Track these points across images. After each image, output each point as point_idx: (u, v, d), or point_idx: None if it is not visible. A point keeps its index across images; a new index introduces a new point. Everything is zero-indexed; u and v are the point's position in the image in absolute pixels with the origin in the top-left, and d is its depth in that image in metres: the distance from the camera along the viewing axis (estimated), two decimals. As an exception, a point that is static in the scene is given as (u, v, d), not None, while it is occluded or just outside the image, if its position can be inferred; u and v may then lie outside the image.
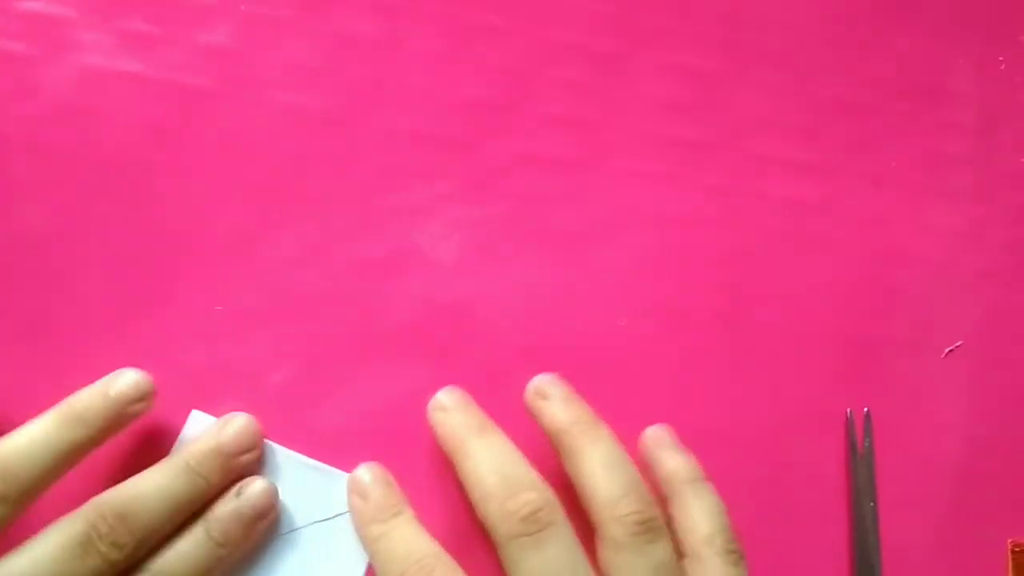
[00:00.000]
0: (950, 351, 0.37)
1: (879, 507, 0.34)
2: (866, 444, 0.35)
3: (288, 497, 0.30)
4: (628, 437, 0.33)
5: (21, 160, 0.32)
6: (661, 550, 0.27)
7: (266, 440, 0.31)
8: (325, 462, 0.31)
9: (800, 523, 0.34)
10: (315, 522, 0.30)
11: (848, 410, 0.35)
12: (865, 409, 0.35)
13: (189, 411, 0.31)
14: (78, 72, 0.33)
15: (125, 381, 0.29)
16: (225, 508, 0.29)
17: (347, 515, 0.30)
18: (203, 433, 0.30)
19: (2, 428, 0.30)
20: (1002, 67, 0.39)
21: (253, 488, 0.29)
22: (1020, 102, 0.39)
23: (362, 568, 0.30)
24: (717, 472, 0.33)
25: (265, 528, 0.30)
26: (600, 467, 0.28)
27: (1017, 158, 0.39)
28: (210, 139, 0.33)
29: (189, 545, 0.28)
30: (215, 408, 0.31)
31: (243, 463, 0.29)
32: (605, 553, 0.28)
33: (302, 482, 0.31)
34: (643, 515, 0.27)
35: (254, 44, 0.34)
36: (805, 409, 0.35)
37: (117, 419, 0.28)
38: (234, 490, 0.29)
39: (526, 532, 0.27)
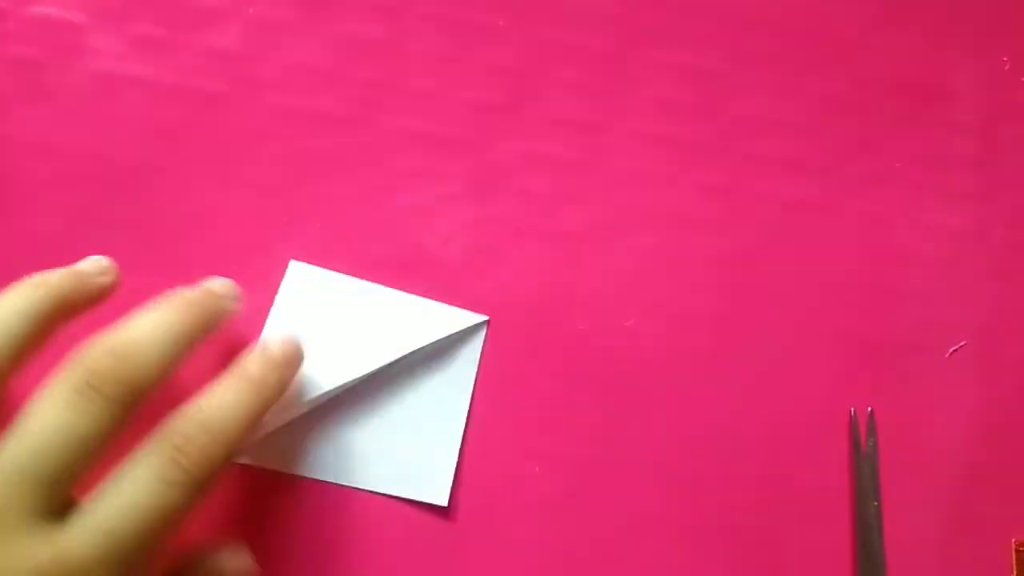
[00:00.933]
0: (954, 351, 0.36)
1: (883, 507, 0.34)
2: (870, 444, 0.35)
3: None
4: (631, 437, 0.34)
5: (32, 163, 0.32)
6: None
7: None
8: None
9: (803, 523, 0.34)
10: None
11: (852, 409, 0.35)
12: (869, 409, 0.35)
13: None
14: (88, 76, 0.33)
15: (219, 281, 0.29)
16: (254, 355, 0.28)
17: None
18: None
19: (5, 424, 0.31)
20: (1006, 67, 0.39)
21: (276, 338, 0.29)
22: (1023, 102, 0.39)
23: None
24: (721, 471, 0.34)
25: (292, 376, 0.29)
26: None
27: (1021, 158, 0.38)
28: (219, 141, 0.34)
29: (225, 391, 0.27)
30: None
31: (231, 307, 0.29)
32: None
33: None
34: None
35: (262, 47, 0.35)
36: (808, 409, 0.35)
37: (216, 306, 0.28)
38: (259, 345, 0.29)
39: None
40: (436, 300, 0.33)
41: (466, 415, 0.33)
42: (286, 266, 0.33)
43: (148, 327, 0.26)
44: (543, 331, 0.34)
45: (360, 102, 0.35)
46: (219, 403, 0.26)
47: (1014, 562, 0.35)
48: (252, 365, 0.28)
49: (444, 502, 0.32)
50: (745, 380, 0.35)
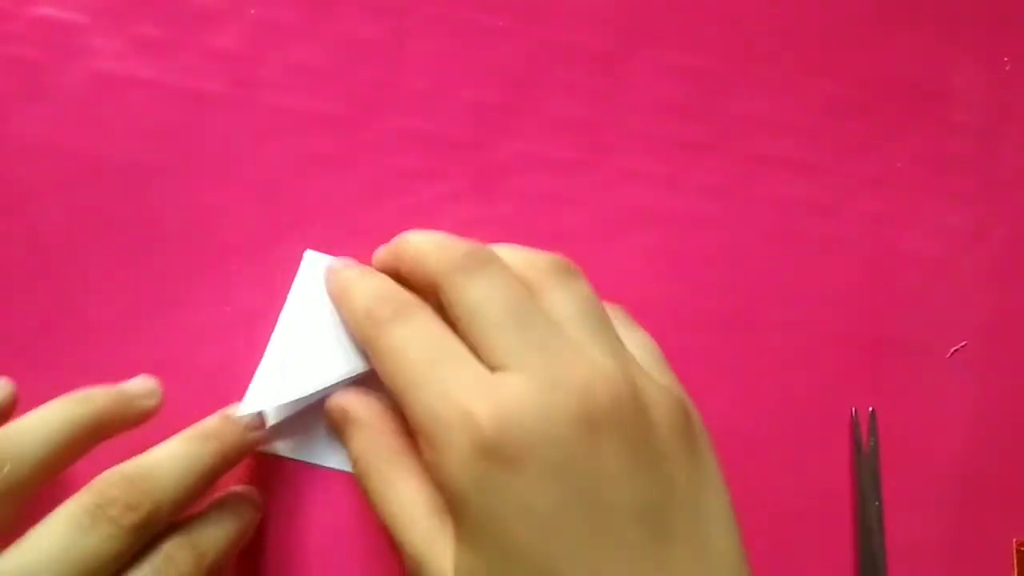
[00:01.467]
0: (955, 351, 0.36)
1: (884, 507, 0.34)
2: (870, 444, 0.35)
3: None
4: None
5: (32, 163, 0.32)
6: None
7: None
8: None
9: (804, 523, 0.34)
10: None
11: (853, 409, 0.35)
12: (870, 409, 0.35)
13: (199, 411, 0.30)
14: (89, 76, 0.33)
15: (239, 408, 0.29)
16: (212, 417, 0.29)
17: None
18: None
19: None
20: (1007, 67, 0.39)
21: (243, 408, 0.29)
22: (1023, 102, 0.39)
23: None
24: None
25: (257, 439, 0.29)
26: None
27: (1021, 158, 0.38)
28: (218, 141, 0.34)
29: (169, 446, 0.27)
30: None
31: (254, 439, 0.29)
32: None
33: None
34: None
35: (262, 47, 0.35)
36: (808, 409, 0.35)
37: (238, 438, 0.28)
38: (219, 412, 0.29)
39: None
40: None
41: None
42: (285, 266, 0.33)
43: (163, 457, 0.26)
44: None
45: (360, 102, 0.35)
46: (213, 524, 0.27)
47: (1014, 562, 0.35)
48: (207, 422, 0.28)
49: None
50: (745, 380, 0.35)
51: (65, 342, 0.32)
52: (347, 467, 0.31)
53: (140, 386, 0.29)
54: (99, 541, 0.23)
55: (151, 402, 0.29)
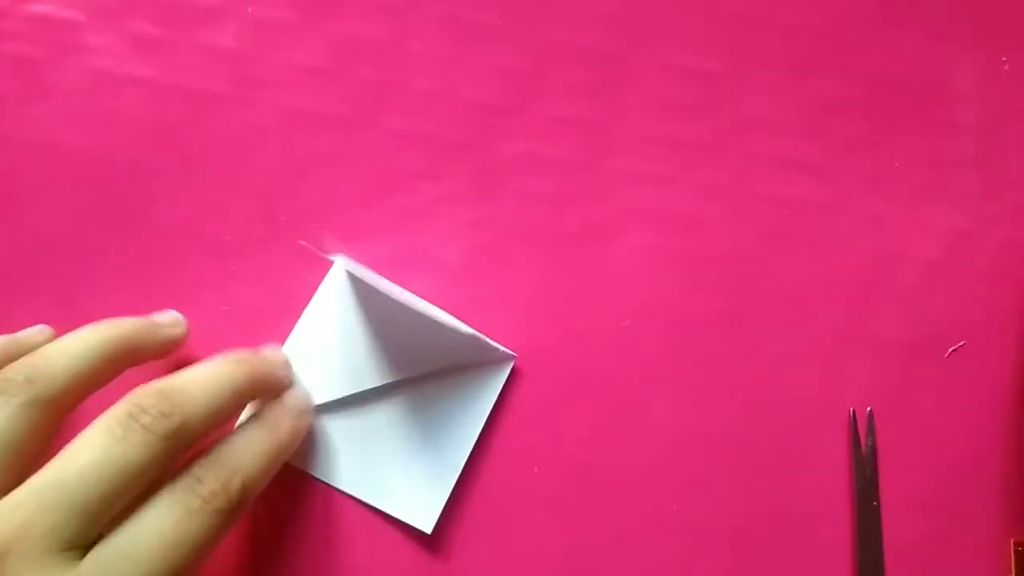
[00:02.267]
0: (953, 351, 0.37)
1: (883, 507, 0.34)
2: (869, 443, 0.35)
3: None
4: (630, 437, 0.34)
5: (30, 162, 0.32)
6: None
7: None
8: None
9: (803, 523, 0.34)
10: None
11: (851, 409, 0.35)
12: (868, 409, 0.35)
13: None
14: (87, 74, 0.33)
15: (270, 350, 0.31)
16: (270, 406, 0.29)
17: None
18: None
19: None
20: (1006, 67, 0.39)
21: (292, 392, 0.30)
22: (1023, 101, 0.39)
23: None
24: (719, 472, 0.34)
25: (307, 425, 0.31)
26: None
27: (1021, 158, 0.38)
28: (217, 141, 0.34)
29: (243, 433, 0.28)
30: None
31: (280, 375, 0.30)
32: None
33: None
34: None
35: (261, 46, 0.34)
36: (808, 409, 0.35)
37: (266, 369, 0.29)
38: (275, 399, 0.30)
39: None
40: (435, 300, 0.33)
41: (471, 449, 0.32)
42: (285, 266, 0.33)
43: (197, 373, 0.27)
44: (542, 332, 0.34)
45: (360, 102, 0.35)
46: (241, 443, 0.27)
47: (1013, 562, 0.35)
48: (266, 414, 0.29)
49: (428, 529, 0.31)
50: (745, 380, 0.35)
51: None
52: (319, 474, 0.32)
53: (166, 316, 0.31)
54: (133, 447, 0.24)
55: (177, 330, 0.30)
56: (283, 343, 0.32)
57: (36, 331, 0.30)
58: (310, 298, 0.33)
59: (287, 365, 0.31)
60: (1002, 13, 0.40)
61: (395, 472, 0.32)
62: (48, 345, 0.27)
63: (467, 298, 0.34)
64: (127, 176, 0.33)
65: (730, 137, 0.36)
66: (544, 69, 0.36)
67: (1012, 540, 0.35)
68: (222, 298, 0.33)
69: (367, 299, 0.32)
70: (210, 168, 0.33)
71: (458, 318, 0.33)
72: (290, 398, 0.30)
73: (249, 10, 0.34)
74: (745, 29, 0.37)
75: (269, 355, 0.30)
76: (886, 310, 0.36)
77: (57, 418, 0.26)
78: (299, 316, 0.33)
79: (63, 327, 0.32)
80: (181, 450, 0.25)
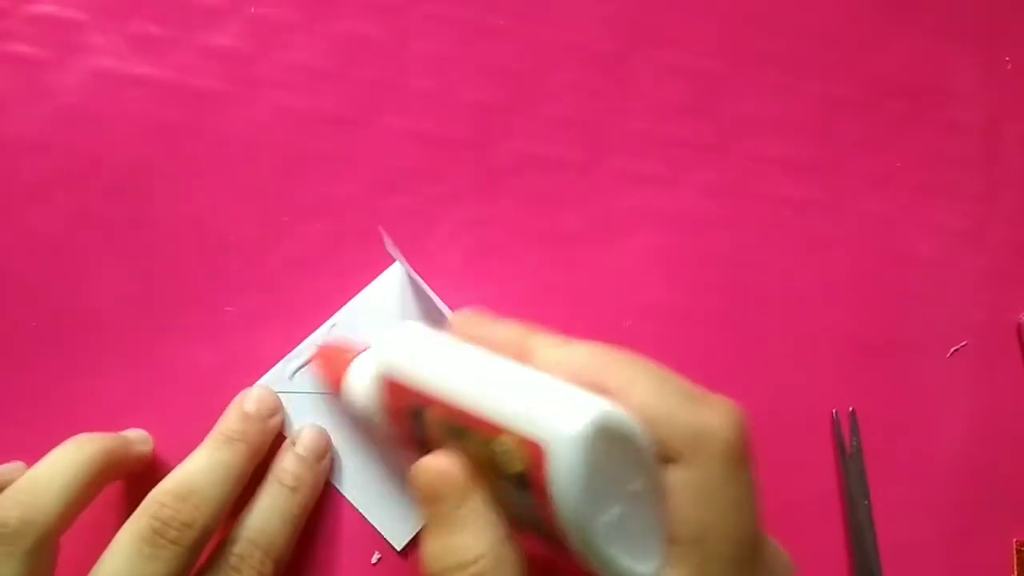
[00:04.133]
0: (955, 351, 0.37)
1: (875, 506, 0.34)
2: (854, 443, 0.35)
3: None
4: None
5: (32, 161, 0.32)
6: None
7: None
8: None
9: (803, 523, 0.34)
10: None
11: (834, 411, 0.35)
12: (850, 408, 0.35)
13: (202, 412, 0.30)
14: (88, 74, 0.33)
15: (252, 398, 0.30)
16: (286, 457, 0.30)
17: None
18: (226, 411, 0.30)
19: (8, 423, 0.31)
20: (1008, 67, 0.39)
21: (305, 434, 0.31)
22: (1024, 101, 0.39)
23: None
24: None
25: (327, 467, 0.31)
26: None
27: (1021, 158, 0.38)
28: (219, 140, 0.34)
29: (268, 500, 0.28)
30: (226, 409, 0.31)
31: (273, 425, 0.30)
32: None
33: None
34: None
35: (263, 46, 0.34)
36: (808, 409, 0.35)
37: (261, 434, 0.30)
38: (287, 442, 0.31)
39: None
40: (435, 299, 0.33)
41: None
42: (285, 266, 0.33)
43: (201, 468, 0.27)
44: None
45: (360, 102, 0.35)
46: (260, 516, 0.28)
47: (1014, 562, 0.35)
48: (284, 471, 0.29)
49: (399, 547, 0.32)
50: (745, 380, 0.35)
51: (65, 341, 0.32)
52: (333, 480, 0.32)
53: (136, 433, 0.31)
54: (163, 564, 0.25)
55: (147, 448, 0.30)
56: (283, 343, 0.32)
57: (11, 468, 0.29)
58: (310, 298, 0.33)
59: (279, 408, 0.31)
60: (1004, 13, 0.40)
61: (386, 482, 0.32)
62: (33, 473, 0.26)
63: (466, 298, 0.34)
64: (127, 176, 0.33)
65: (730, 137, 0.36)
66: (544, 69, 0.36)
67: (1014, 540, 0.35)
68: (222, 298, 0.33)
69: (417, 306, 0.33)
70: (210, 168, 0.33)
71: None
72: (307, 449, 0.30)
73: (251, 10, 0.34)
74: (745, 29, 0.37)
75: (259, 406, 0.30)
76: (886, 310, 0.36)
77: (55, 546, 0.26)
78: (299, 316, 0.33)
79: (63, 327, 0.32)
80: (203, 550, 0.26)
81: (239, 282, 0.33)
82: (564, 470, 0.19)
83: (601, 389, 0.22)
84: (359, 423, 0.32)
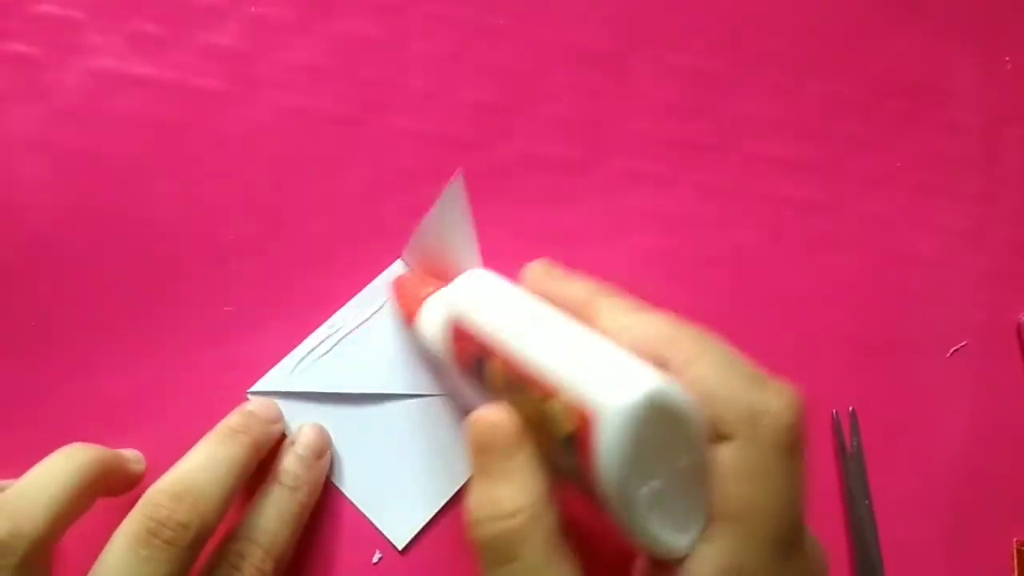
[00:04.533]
0: (955, 351, 0.37)
1: (877, 506, 0.34)
2: (854, 443, 0.35)
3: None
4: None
5: (31, 161, 0.32)
6: None
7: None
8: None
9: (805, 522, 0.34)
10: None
11: (834, 411, 0.35)
12: (851, 408, 0.35)
13: (201, 412, 0.30)
14: (88, 74, 0.33)
15: (256, 402, 0.31)
16: (287, 458, 0.30)
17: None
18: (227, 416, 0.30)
19: (6, 424, 0.31)
20: (1008, 67, 0.39)
21: (304, 432, 0.31)
22: (1024, 102, 0.39)
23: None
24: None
25: (327, 465, 0.31)
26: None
27: (1021, 158, 0.38)
28: (219, 140, 0.34)
29: (269, 501, 0.28)
30: (227, 408, 0.30)
31: (275, 430, 0.30)
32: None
33: None
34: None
35: (262, 45, 0.34)
36: (809, 410, 0.35)
37: (264, 433, 0.29)
38: (287, 442, 0.31)
39: None
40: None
41: (465, 479, 0.32)
42: (285, 266, 0.33)
43: (200, 465, 0.27)
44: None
45: (360, 102, 0.34)
46: (261, 514, 0.28)
47: (1015, 562, 0.35)
48: (283, 471, 0.29)
49: (400, 546, 0.32)
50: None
51: (64, 341, 0.32)
52: (334, 479, 0.32)
53: (129, 452, 0.30)
54: (159, 565, 0.24)
55: (140, 467, 0.30)
56: (283, 343, 0.32)
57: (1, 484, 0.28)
58: (310, 298, 0.33)
59: (280, 417, 0.31)
60: (1004, 14, 0.40)
61: (387, 481, 0.32)
62: (21, 484, 0.26)
63: (467, 298, 0.33)
64: (127, 175, 0.33)
65: (730, 137, 0.36)
66: (544, 69, 0.36)
67: (1014, 540, 0.35)
68: (222, 298, 0.33)
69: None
70: (210, 168, 0.33)
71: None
72: (306, 447, 0.30)
73: (251, 10, 0.34)
74: (745, 29, 0.37)
75: (260, 411, 0.30)
76: (888, 310, 0.36)
77: (48, 557, 0.26)
78: (299, 316, 0.33)
79: (63, 326, 0.32)
80: (203, 548, 0.26)
81: (239, 282, 0.33)
82: (611, 441, 0.20)
83: (663, 361, 0.22)
84: (430, 361, 0.32)
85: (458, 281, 0.27)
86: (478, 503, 0.22)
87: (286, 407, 0.31)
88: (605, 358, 0.22)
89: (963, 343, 0.37)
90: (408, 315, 0.30)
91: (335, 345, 0.32)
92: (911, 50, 0.39)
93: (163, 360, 0.32)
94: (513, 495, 0.22)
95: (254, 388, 0.32)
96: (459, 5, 0.36)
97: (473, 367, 0.25)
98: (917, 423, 0.36)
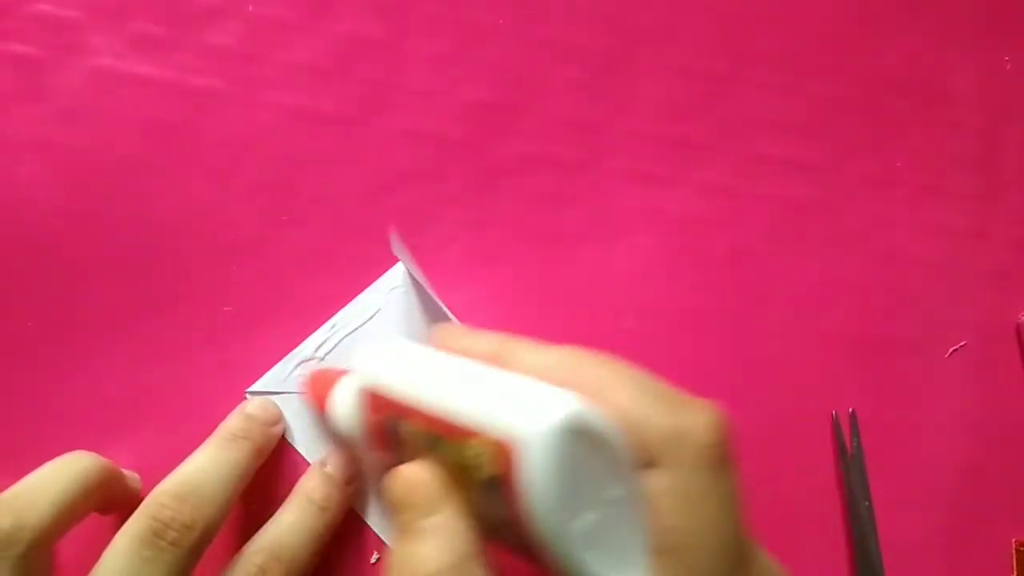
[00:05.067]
0: (954, 351, 0.37)
1: (877, 506, 0.34)
2: (854, 444, 0.35)
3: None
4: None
5: (30, 161, 0.32)
6: None
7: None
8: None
9: (804, 524, 0.34)
10: None
11: (833, 412, 0.35)
12: (851, 410, 0.35)
13: (201, 412, 0.31)
14: (87, 74, 0.33)
15: (256, 404, 0.30)
16: (316, 475, 0.30)
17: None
18: (227, 417, 0.30)
19: (7, 425, 0.31)
20: (1008, 67, 0.39)
21: (336, 456, 0.31)
22: (1024, 102, 0.39)
23: None
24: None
25: (354, 492, 0.31)
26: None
27: (1021, 158, 0.38)
28: (219, 140, 0.34)
29: (294, 515, 0.28)
30: (226, 408, 0.31)
31: (275, 432, 0.31)
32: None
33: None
34: None
35: (261, 45, 0.34)
36: (808, 410, 0.35)
37: (265, 435, 0.30)
38: (317, 463, 0.31)
39: None
40: (438, 302, 0.33)
41: None
42: (285, 266, 0.33)
43: (203, 467, 0.27)
44: (542, 332, 0.34)
45: (360, 101, 0.34)
46: (286, 530, 0.28)
47: (1014, 562, 0.35)
48: (314, 489, 0.29)
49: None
50: (746, 380, 0.35)
51: (64, 341, 0.32)
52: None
53: (129, 472, 0.30)
54: (162, 566, 0.24)
55: (136, 486, 0.30)
56: (283, 343, 0.32)
57: None
58: (310, 298, 0.33)
59: (280, 418, 0.31)
60: (1003, 14, 0.40)
61: (381, 483, 0.32)
62: (25, 483, 0.26)
63: (466, 298, 0.33)
64: (127, 175, 0.33)
65: (730, 137, 0.36)
66: (544, 68, 0.36)
67: (1014, 540, 0.35)
68: (222, 298, 0.33)
69: (420, 308, 0.33)
70: (209, 167, 0.33)
71: (458, 318, 0.33)
72: (339, 470, 0.30)
73: (249, 9, 0.34)
74: (745, 29, 0.37)
75: (261, 414, 0.30)
76: (887, 310, 0.36)
77: (49, 555, 0.26)
78: (299, 316, 0.33)
79: (63, 327, 0.32)
80: (205, 550, 0.26)
81: (238, 282, 0.33)
82: (535, 469, 0.19)
83: (577, 391, 0.21)
84: (343, 444, 0.31)
85: (367, 352, 0.26)
86: (397, 563, 0.21)
87: (285, 408, 0.31)
88: (521, 391, 0.21)
89: (963, 343, 0.37)
90: (319, 401, 0.29)
91: (335, 346, 0.32)
92: (911, 50, 0.39)
93: (163, 360, 0.32)
94: (433, 553, 0.20)
95: (253, 388, 0.32)
96: (459, 5, 0.35)
97: (390, 435, 0.24)
98: (917, 423, 0.36)
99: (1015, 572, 0.35)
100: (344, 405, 0.27)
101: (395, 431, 0.23)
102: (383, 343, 0.26)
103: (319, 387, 0.30)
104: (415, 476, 0.22)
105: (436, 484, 0.22)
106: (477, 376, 0.22)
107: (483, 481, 0.20)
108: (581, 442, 0.19)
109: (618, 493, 0.20)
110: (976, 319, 0.37)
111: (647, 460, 0.21)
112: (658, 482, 0.21)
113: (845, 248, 0.37)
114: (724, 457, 0.21)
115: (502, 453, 0.19)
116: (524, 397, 0.20)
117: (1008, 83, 0.39)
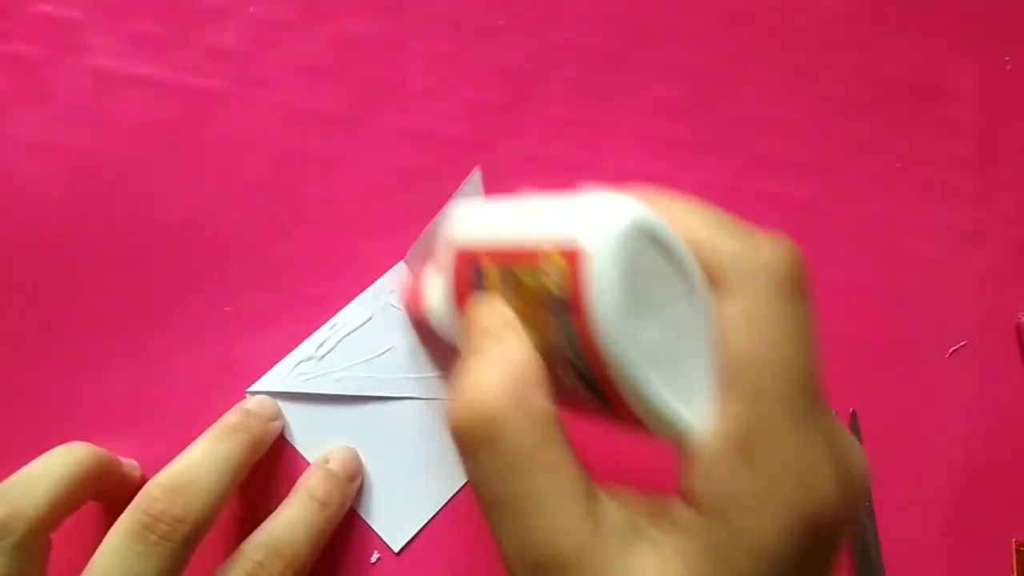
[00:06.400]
0: (954, 351, 0.37)
1: (877, 506, 0.34)
2: None
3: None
4: (627, 439, 0.33)
5: (31, 161, 0.32)
6: None
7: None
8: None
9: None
10: None
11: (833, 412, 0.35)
12: (851, 409, 0.35)
13: (201, 412, 0.30)
14: (87, 74, 0.33)
15: (254, 400, 0.31)
16: (318, 472, 0.30)
17: None
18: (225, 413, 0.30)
19: (7, 424, 0.31)
20: (1007, 67, 0.39)
21: (338, 453, 0.31)
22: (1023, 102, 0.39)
23: None
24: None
25: (356, 489, 0.31)
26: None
27: (1021, 158, 0.38)
28: (219, 140, 0.34)
29: (296, 511, 0.28)
30: (227, 408, 0.30)
31: (274, 428, 0.31)
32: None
33: None
34: None
35: (262, 45, 0.34)
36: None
37: (263, 430, 0.29)
38: (320, 460, 0.31)
39: None
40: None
41: (462, 483, 0.32)
42: (285, 266, 0.33)
43: (198, 460, 0.27)
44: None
45: (360, 101, 0.34)
46: (287, 526, 0.27)
47: (1014, 562, 0.35)
48: (316, 486, 0.29)
49: (396, 548, 0.32)
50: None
51: (64, 341, 0.32)
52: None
53: (127, 461, 0.30)
54: (154, 561, 0.24)
55: (136, 474, 0.30)
56: (283, 343, 0.32)
57: None
58: (310, 298, 0.33)
59: (279, 415, 0.31)
60: (1003, 14, 0.40)
61: (384, 483, 0.32)
62: (22, 472, 0.26)
63: (467, 298, 0.33)
64: (127, 175, 0.33)
65: (730, 137, 0.36)
66: (544, 68, 0.36)
67: (1014, 540, 0.35)
68: (222, 298, 0.33)
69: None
70: (209, 167, 0.33)
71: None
72: (341, 467, 0.30)
73: (250, 9, 0.34)
74: (745, 29, 0.37)
75: (259, 409, 0.30)
76: (887, 311, 0.36)
77: (45, 543, 0.26)
78: (299, 316, 0.33)
79: (63, 327, 0.32)
80: (199, 544, 0.25)
81: (239, 282, 0.33)
82: (601, 271, 0.18)
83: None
84: (439, 339, 0.30)
85: (451, 222, 0.26)
86: (462, 385, 0.20)
87: (285, 407, 0.31)
88: (585, 204, 0.20)
89: (963, 343, 0.37)
90: (412, 301, 0.29)
91: (335, 346, 0.32)
92: (911, 50, 0.39)
93: (163, 360, 0.32)
94: (497, 376, 0.19)
95: (253, 387, 0.32)
96: (459, 5, 0.35)
97: (474, 286, 0.23)
98: (917, 423, 0.36)
99: (1015, 572, 0.35)
100: (435, 295, 0.27)
101: (479, 283, 0.23)
102: (461, 207, 0.26)
103: (414, 292, 0.30)
104: (485, 304, 0.22)
105: (504, 311, 0.21)
106: (543, 204, 0.22)
107: (554, 307, 0.20)
108: (648, 249, 0.19)
109: (685, 310, 0.19)
110: (976, 319, 0.37)
111: (718, 282, 0.19)
112: (729, 307, 0.19)
113: (844, 248, 0.37)
114: (800, 286, 0.19)
115: (570, 267, 0.19)
116: (589, 207, 0.20)
117: (1008, 83, 0.39)
